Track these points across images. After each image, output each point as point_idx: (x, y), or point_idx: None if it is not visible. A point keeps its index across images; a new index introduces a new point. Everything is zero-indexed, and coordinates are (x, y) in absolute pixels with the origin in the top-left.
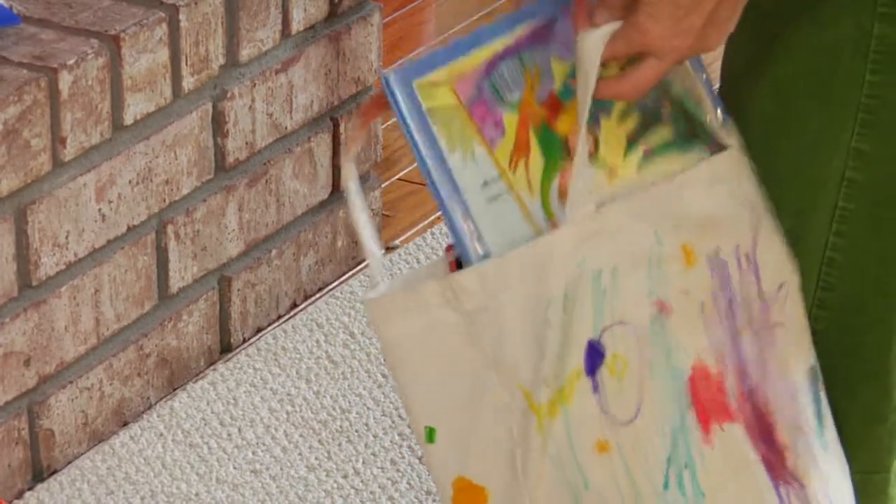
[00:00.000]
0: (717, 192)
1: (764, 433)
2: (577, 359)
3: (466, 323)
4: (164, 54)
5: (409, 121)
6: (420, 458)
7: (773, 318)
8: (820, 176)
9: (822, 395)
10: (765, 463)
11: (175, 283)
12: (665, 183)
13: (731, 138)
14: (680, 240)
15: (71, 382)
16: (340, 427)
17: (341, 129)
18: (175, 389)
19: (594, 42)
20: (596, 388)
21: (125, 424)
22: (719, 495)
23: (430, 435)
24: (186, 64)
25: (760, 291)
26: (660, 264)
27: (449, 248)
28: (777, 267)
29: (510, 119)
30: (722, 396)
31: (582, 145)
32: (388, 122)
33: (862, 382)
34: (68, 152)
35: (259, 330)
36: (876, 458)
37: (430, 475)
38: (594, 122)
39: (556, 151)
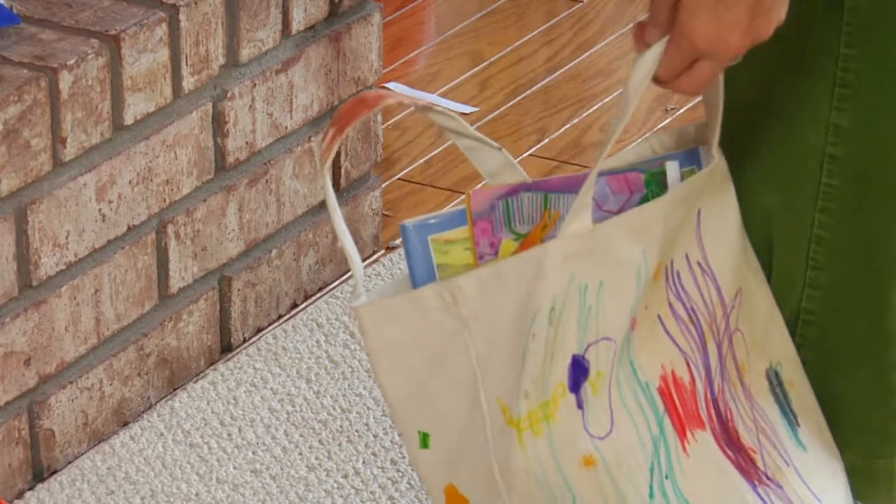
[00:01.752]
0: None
1: (728, 438)
2: (561, 374)
3: (461, 329)
4: (164, 54)
5: (416, 272)
6: None
7: (732, 325)
8: (801, 151)
9: (790, 394)
10: (737, 467)
11: (175, 282)
12: (653, 203)
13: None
14: (658, 257)
15: (71, 382)
16: (341, 427)
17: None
18: (175, 389)
19: (643, 62)
20: (580, 405)
21: (125, 424)
22: (703, 501)
23: (425, 440)
24: (187, 64)
25: (721, 298)
26: (646, 282)
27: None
28: (732, 273)
29: (508, 246)
30: (694, 404)
31: (601, 161)
32: (388, 123)
33: (857, 364)
34: (68, 152)
35: (259, 330)
36: (880, 442)
37: (420, 480)
38: None
39: None
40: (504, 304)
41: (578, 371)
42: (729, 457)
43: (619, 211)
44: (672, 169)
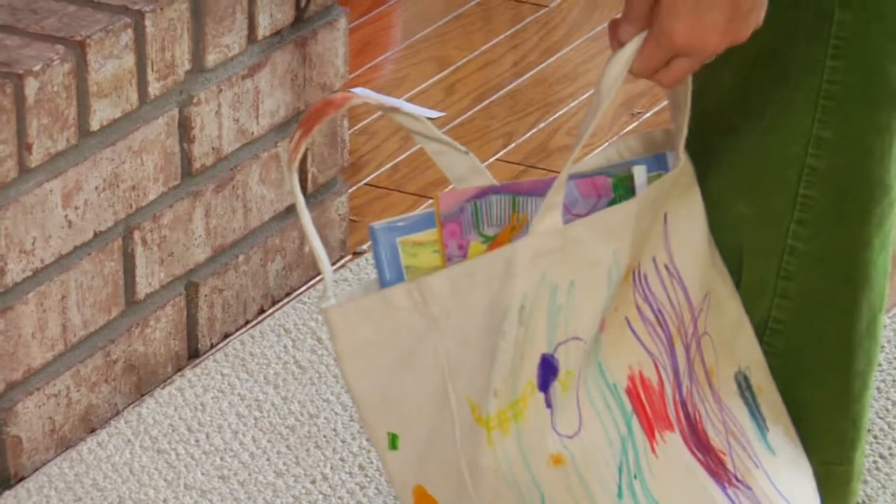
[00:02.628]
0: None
1: (697, 440)
2: (530, 373)
3: (431, 328)
4: (129, 60)
5: (386, 272)
6: None
7: (700, 328)
8: (779, 161)
9: (759, 398)
10: (706, 469)
11: (142, 288)
12: (624, 204)
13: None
14: (628, 259)
15: (38, 389)
16: (308, 432)
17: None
18: (143, 395)
19: (617, 61)
20: (549, 404)
21: (93, 431)
22: (672, 502)
23: (394, 441)
24: (152, 69)
25: (689, 301)
26: (617, 283)
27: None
28: (699, 277)
29: (476, 248)
30: (663, 405)
31: (570, 163)
32: (355, 128)
33: (825, 373)
34: (34, 158)
35: (226, 335)
36: (839, 449)
37: (388, 482)
38: None
39: None
40: (474, 302)
41: (548, 370)
42: (698, 458)
43: (589, 213)
44: (640, 173)
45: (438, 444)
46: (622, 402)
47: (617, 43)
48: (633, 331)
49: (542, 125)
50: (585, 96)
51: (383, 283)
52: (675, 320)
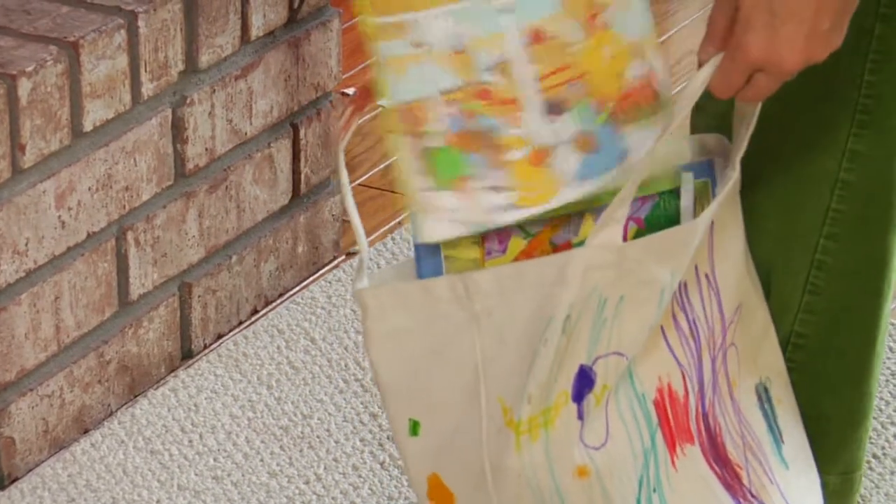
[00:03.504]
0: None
1: (716, 454)
2: (566, 383)
3: (470, 323)
4: (123, 61)
5: (423, 261)
6: (382, 464)
7: (728, 339)
8: (814, 177)
9: (777, 410)
10: (722, 482)
11: (135, 289)
12: (685, 227)
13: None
14: (682, 276)
15: (31, 390)
16: (302, 433)
17: (301, 134)
18: (136, 396)
19: (694, 80)
20: (581, 416)
21: (86, 432)
22: None
23: (415, 428)
24: (146, 70)
25: (721, 313)
26: (668, 302)
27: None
28: (735, 288)
29: (517, 244)
30: (686, 418)
31: (638, 179)
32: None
33: (845, 386)
34: (27, 159)
35: (220, 336)
36: (855, 457)
37: (403, 468)
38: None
39: None
40: (519, 304)
41: (584, 382)
42: (716, 472)
43: (631, 217)
44: (687, 180)
45: (462, 439)
46: (649, 414)
47: (699, 63)
48: (666, 341)
49: None
50: None
51: (420, 271)
52: (706, 331)
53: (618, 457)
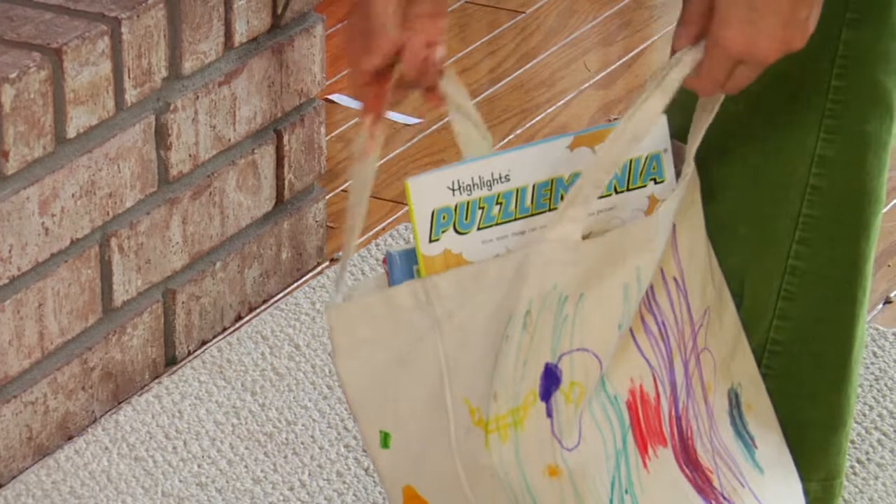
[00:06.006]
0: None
1: (687, 457)
2: (533, 381)
3: (432, 329)
4: (106, 67)
5: (395, 270)
6: (367, 470)
7: (700, 343)
8: (783, 183)
9: (746, 416)
10: (693, 485)
11: (119, 296)
12: (644, 221)
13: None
14: (650, 275)
15: (15, 397)
16: (286, 439)
17: (285, 140)
18: (120, 403)
19: (671, 77)
20: (549, 413)
21: (70, 438)
22: None
23: (385, 440)
24: (129, 77)
25: (690, 316)
26: (636, 297)
27: (385, 260)
28: (702, 291)
29: None
30: (658, 420)
31: (597, 173)
32: (332, 134)
33: (825, 393)
34: (11, 166)
35: (204, 342)
36: (835, 463)
37: (378, 480)
38: None
39: None
40: (480, 304)
41: (550, 379)
42: (686, 475)
43: None
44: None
45: (432, 446)
46: (621, 415)
47: (672, 50)
48: (636, 343)
49: (519, 131)
50: (562, 102)
51: (393, 278)
52: (676, 334)
53: (591, 458)
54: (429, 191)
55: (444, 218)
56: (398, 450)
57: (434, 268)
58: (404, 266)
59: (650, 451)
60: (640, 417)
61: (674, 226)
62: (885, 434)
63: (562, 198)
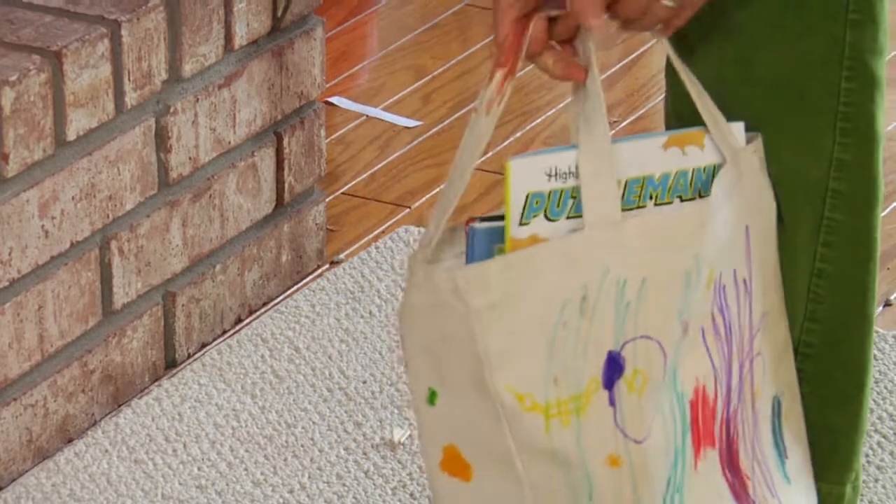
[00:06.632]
0: (723, 213)
1: (730, 461)
2: (596, 369)
3: (473, 316)
4: (106, 70)
5: (475, 247)
6: (366, 473)
7: (755, 347)
8: (804, 187)
9: (784, 425)
10: (731, 490)
11: (119, 298)
12: (693, 203)
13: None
14: (709, 263)
15: (15, 399)
16: (286, 442)
17: (285, 143)
18: (120, 405)
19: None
20: (612, 402)
21: (70, 441)
22: None
23: (432, 397)
24: (129, 79)
25: (751, 320)
26: (696, 286)
27: (466, 229)
28: (765, 296)
29: None
30: (712, 422)
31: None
32: (332, 137)
33: (851, 396)
34: (11, 168)
35: (204, 345)
36: (858, 464)
37: (419, 434)
38: None
39: None
40: (527, 292)
41: (613, 368)
42: (727, 479)
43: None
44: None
45: (480, 421)
46: (685, 414)
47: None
48: (705, 342)
49: (519, 134)
50: (563, 105)
51: (471, 254)
52: (738, 337)
53: (653, 454)
54: (527, 173)
55: (536, 203)
56: (443, 410)
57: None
58: (484, 243)
59: (702, 451)
60: (700, 418)
61: (747, 228)
62: (884, 436)
63: (651, 196)
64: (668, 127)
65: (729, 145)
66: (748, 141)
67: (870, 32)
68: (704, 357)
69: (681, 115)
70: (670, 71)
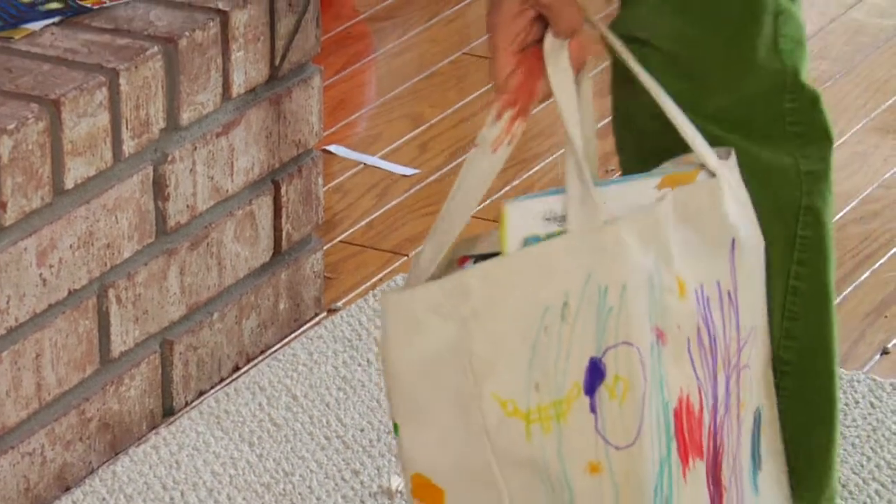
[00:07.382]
0: (695, 223)
1: (714, 473)
2: (577, 374)
3: (460, 326)
4: (104, 118)
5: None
6: None
7: (743, 360)
8: (777, 206)
9: (761, 437)
10: (711, 502)
11: (117, 346)
12: (659, 206)
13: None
14: (674, 269)
15: (12, 448)
16: (284, 490)
17: (282, 191)
18: (117, 454)
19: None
20: (593, 409)
21: (67, 489)
22: None
23: (396, 429)
24: (127, 128)
25: (738, 332)
26: (660, 290)
27: (461, 262)
28: (751, 310)
29: None
30: (699, 432)
31: (578, 165)
32: (330, 185)
33: (831, 411)
34: (9, 217)
35: (201, 393)
36: (836, 481)
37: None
38: None
39: None
40: (509, 299)
41: (595, 374)
42: (710, 491)
43: None
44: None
45: (456, 440)
46: (669, 423)
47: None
48: (689, 353)
49: (516, 182)
50: (560, 153)
51: None
52: (723, 349)
53: (638, 460)
54: (523, 218)
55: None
56: (405, 441)
57: None
58: None
59: (690, 461)
60: (685, 428)
61: (733, 241)
62: (882, 485)
63: None
64: (624, 144)
65: (709, 160)
66: (721, 157)
67: (797, 34)
68: (688, 367)
69: (643, 132)
70: (623, 88)
